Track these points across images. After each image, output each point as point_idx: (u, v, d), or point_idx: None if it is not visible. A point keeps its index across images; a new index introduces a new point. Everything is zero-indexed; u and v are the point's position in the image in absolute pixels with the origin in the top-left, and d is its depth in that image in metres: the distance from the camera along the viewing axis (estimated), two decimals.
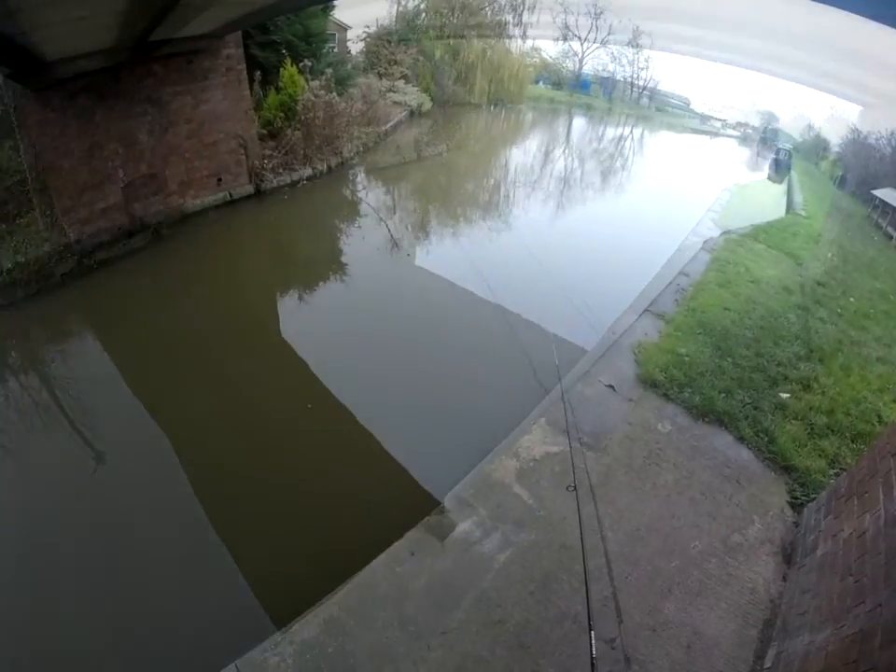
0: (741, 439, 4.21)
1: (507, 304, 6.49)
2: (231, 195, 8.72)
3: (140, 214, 7.31)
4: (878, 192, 23.45)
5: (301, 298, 6.67)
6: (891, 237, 19.15)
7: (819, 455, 4.08)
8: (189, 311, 5.95)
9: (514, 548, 2.98)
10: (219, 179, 8.56)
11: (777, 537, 3.49)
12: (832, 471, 3.97)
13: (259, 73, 10.36)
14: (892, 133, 29.81)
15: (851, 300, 8.16)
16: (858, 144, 36.01)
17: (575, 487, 2.92)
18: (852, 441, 4.28)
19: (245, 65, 8.52)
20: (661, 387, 4.62)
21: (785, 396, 4.74)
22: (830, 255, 10.75)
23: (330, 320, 6.19)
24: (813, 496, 3.72)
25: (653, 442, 4.03)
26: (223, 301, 6.29)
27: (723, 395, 4.58)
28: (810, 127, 61.22)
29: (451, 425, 4.55)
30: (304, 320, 6.21)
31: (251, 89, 9.59)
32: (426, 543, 2.94)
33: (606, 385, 4.59)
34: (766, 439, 4.19)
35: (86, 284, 6.10)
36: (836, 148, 46.39)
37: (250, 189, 9.08)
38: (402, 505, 3.51)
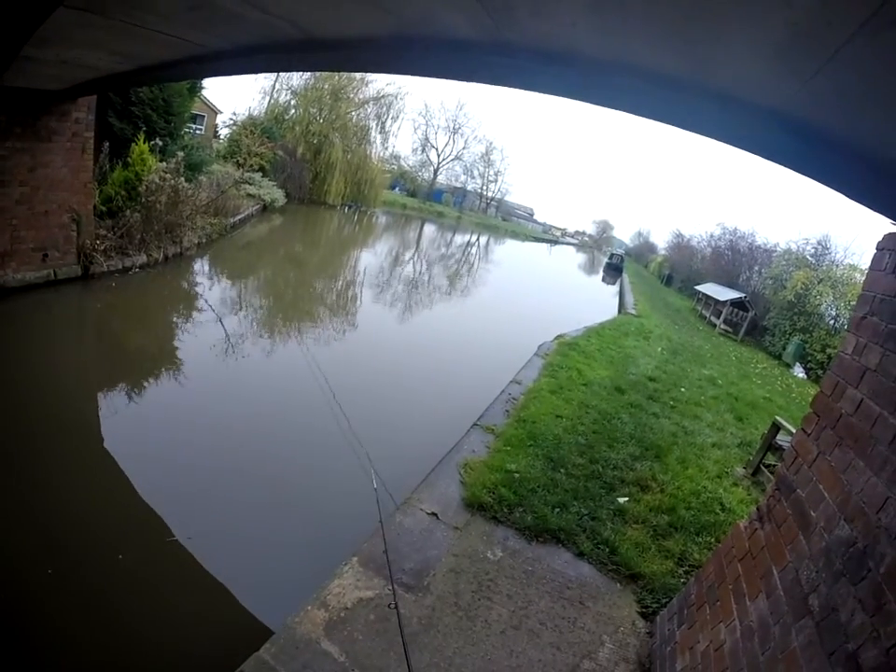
0: (580, 554, 4.05)
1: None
2: (55, 274, 7.53)
3: None
4: (701, 287, 28.79)
5: (128, 398, 5.70)
6: (714, 325, 23.19)
7: (666, 557, 4.13)
8: None
9: None
10: (45, 255, 7.38)
11: (633, 653, 3.32)
12: (680, 570, 4.04)
13: (107, 144, 9.58)
14: (711, 236, 36.83)
15: (682, 390, 8.98)
16: (681, 246, 43.91)
17: (396, 605, 2.56)
18: (697, 535, 4.43)
19: (92, 133, 7.75)
20: (489, 510, 4.34)
21: (623, 500, 4.79)
22: (660, 349, 12.27)
23: (155, 424, 5.29)
24: (665, 600, 3.66)
25: (483, 573, 3.70)
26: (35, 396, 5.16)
27: (558, 510, 4.45)
28: (640, 233, 73.94)
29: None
30: (126, 423, 5.23)
31: (97, 160, 8.77)
32: None
33: (428, 514, 4.20)
34: (607, 550, 4.10)
35: None
36: (662, 251, 56.07)
37: (77, 270, 7.97)
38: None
